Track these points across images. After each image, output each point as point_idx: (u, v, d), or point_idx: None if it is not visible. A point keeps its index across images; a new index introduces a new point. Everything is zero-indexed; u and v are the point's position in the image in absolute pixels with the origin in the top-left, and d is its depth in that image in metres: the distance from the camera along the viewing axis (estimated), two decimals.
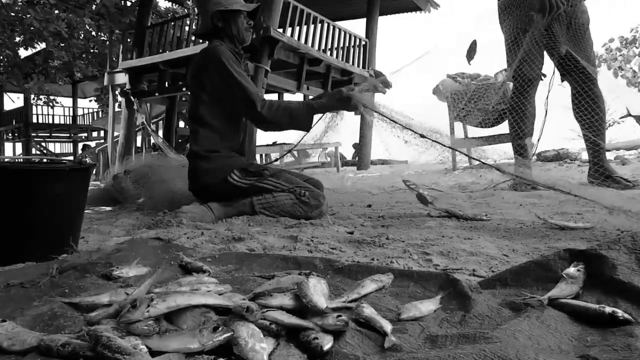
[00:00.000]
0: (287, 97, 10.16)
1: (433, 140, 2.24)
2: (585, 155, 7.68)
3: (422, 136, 2.23)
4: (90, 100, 17.98)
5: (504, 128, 6.16)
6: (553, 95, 3.83)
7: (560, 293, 0.90)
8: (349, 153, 13.13)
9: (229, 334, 0.71)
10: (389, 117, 2.30)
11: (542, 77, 3.75)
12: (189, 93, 2.75)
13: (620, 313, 0.80)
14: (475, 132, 7.52)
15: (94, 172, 9.48)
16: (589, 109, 3.47)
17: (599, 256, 0.97)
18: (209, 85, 2.46)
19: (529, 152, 3.73)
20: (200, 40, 6.89)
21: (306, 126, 2.50)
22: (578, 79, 3.49)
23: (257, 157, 8.71)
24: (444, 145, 2.27)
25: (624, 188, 3.27)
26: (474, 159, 2.32)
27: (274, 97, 10.21)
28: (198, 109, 2.52)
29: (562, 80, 3.72)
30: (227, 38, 2.55)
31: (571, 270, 0.96)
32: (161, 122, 10.75)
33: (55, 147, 22.26)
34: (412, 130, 2.25)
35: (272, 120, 2.41)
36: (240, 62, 2.53)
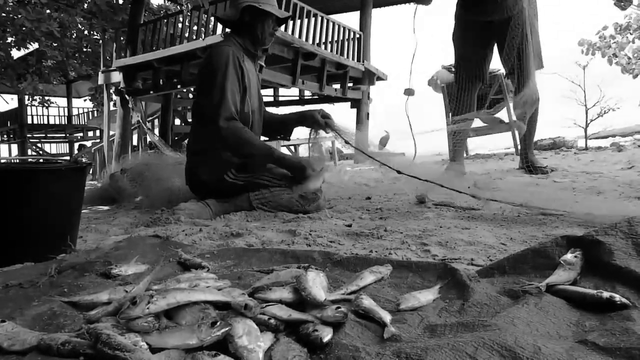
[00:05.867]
0: (282, 92, 10.14)
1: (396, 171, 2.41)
2: (581, 143, 7.72)
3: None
4: (85, 100, 17.88)
5: (501, 117, 6.19)
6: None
7: (558, 279, 0.91)
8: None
9: (226, 329, 0.71)
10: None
11: (486, 80, 4.18)
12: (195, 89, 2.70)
13: (617, 298, 0.80)
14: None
15: (90, 171, 9.45)
16: (524, 105, 3.86)
17: (596, 242, 0.97)
18: (204, 81, 2.40)
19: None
20: (202, 38, 6.84)
21: (254, 165, 2.41)
22: (517, 77, 3.87)
23: None
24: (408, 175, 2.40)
25: (540, 174, 3.91)
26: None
27: (269, 92, 10.17)
28: (199, 104, 2.50)
29: (507, 78, 4.25)
30: (248, 36, 2.46)
31: (568, 256, 0.97)
32: (157, 120, 10.72)
33: (51, 148, 22.18)
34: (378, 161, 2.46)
35: (227, 137, 2.29)
36: (248, 63, 2.47)
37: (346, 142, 2.48)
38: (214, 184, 2.41)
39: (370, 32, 9.00)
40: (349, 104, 8.98)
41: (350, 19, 9.18)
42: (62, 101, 20.55)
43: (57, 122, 20.80)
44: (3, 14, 10.09)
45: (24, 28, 10.00)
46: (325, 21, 7.48)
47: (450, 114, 4.30)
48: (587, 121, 7.94)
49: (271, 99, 10.25)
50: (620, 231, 0.98)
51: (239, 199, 2.36)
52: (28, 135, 19.37)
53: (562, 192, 2.47)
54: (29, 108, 18.54)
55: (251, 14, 2.43)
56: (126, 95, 7.81)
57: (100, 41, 11.11)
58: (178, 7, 11.31)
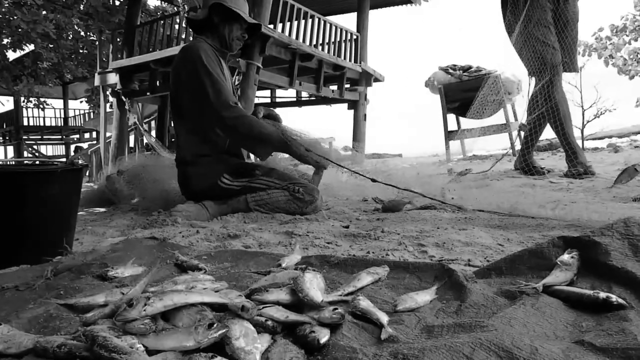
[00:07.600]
0: (279, 93, 10.13)
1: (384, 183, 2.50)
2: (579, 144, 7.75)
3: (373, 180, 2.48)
4: (81, 102, 17.84)
5: (498, 118, 6.22)
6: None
7: (555, 280, 0.91)
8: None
9: (223, 331, 0.71)
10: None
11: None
12: (170, 93, 2.58)
13: (614, 298, 0.81)
14: (469, 124, 7.53)
15: (87, 173, 9.41)
16: (547, 105, 3.79)
17: (593, 243, 0.98)
18: (186, 82, 2.38)
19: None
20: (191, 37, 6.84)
21: (264, 153, 2.39)
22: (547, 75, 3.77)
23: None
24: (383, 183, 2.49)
25: (536, 175, 3.91)
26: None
27: (266, 93, 10.17)
28: (179, 108, 2.47)
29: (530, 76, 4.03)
30: (216, 36, 2.47)
31: (565, 257, 0.97)
32: (154, 121, 10.69)
33: (47, 150, 22.12)
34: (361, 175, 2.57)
35: (233, 126, 2.29)
36: (222, 60, 2.46)
37: (306, 149, 2.43)
38: (208, 192, 2.39)
39: (368, 33, 9.01)
40: (346, 105, 8.99)
41: (347, 21, 9.19)
42: (58, 103, 20.52)
43: (53, 124, 20.74)
44: None
45: (19, 29, 9.95)
46: (322, 22, 7.49)
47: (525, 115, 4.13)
48: (583, 122, 7.97)
49: (268, 100, 10.25)
50: (616, 232, 0.99)
51: (236, 200, 2.36)
52: (24, 137, 19.30)
53: (555, 194, 2.49)
54: (24, 110, 18.50)
55: (219, 14, 2.42)
56: (123, 97, 7.79)
57: (97, 42, 11.08)
58: (175, 8, 11.30)
